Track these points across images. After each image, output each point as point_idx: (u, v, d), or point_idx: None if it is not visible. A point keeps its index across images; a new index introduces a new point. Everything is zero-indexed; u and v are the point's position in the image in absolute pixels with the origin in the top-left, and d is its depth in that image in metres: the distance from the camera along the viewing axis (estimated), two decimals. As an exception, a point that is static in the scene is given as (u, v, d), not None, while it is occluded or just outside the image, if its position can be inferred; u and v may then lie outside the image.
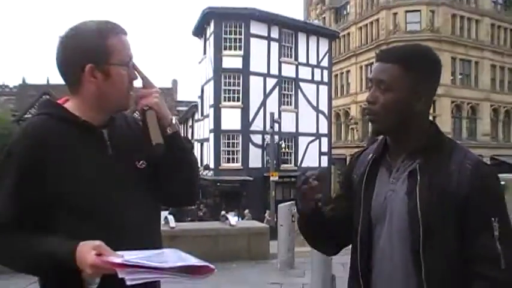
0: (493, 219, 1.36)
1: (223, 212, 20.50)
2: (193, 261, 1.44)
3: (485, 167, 1.46)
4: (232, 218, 9.24)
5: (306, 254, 7.28)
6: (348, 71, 43.76)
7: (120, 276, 1.30)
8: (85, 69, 1.49)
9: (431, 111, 1.76)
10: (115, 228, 1.45)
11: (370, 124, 1.62)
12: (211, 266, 1.45)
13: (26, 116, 42.76)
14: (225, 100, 27.03)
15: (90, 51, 1.49)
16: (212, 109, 27.47)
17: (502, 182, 1.63)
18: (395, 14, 38.51)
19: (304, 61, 29.36)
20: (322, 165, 29.97)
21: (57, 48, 1.54)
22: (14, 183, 1.43)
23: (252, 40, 26.98)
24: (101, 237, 1.37)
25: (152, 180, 1.63)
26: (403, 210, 1.46)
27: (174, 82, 52.17)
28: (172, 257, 1.46)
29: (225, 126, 26.93)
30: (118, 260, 1.32)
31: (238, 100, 27.05)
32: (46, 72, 55.12)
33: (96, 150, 1.54)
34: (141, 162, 1.61)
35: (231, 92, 27.12)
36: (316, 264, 5.76)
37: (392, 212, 1.50)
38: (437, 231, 1.40)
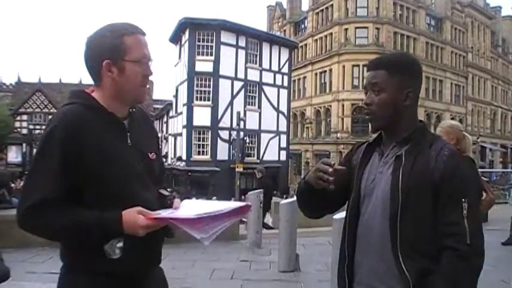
0: (463, 199, 1.41)
1: (193, 199, 20.31)
2: (236, 203, 1.53)
3: (459, 155, 1.52)
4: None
5: (272, 236, 7.34)
6: (304, 77, 44.18)
7: (198, 237, 1.39)
8: (103, 65, 1.51)
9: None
10: (132, 205, 1.46)
11: (369, 124, 1.66)
12: (249, 203, 1.56)
13: (20, 110, 41.70)
14: (197, 99, 26.86)
15: (107, 49, 1.51)
16: (185, 107, 27.22)
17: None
18: (346, 29, 39.10)
19: (267, 67, 29.41)
20: (281, 158, 30.17)
21: (84, 47, 1.57)
22: (59, 163, 1.42)
23: (222, 47, 26.86)
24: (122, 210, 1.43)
25: (158, 169, 1.72)
26: (387, 186, 1.51)
27: (151, 83, 51.05)
28: (213, 204, 1.54)
29: (196, 122, 26.77)
30: (190, 215, 1.40)
31: (208, 100, 26.90)
32: (39, 71, 53.68)
33: (119, 139, 1.56)
34: (152, 153, 1.67)
35: (203, 92, 26.95)
36: (282, 244, 5.79)
37: (378, 189, 1.55)
38: (414, 205, 1.44)
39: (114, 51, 1.51)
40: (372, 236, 1.54)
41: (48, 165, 1.43)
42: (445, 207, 1.43)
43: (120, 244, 1.44)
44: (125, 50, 1.52)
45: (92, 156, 1.45)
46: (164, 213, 1.49)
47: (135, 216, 1.41)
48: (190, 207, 1.54)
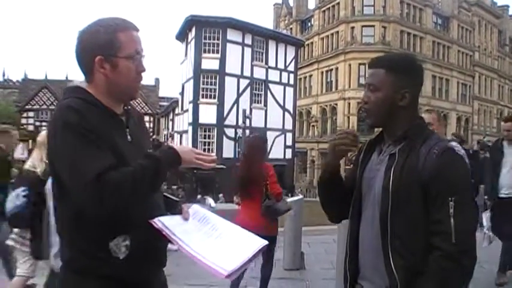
0: (449, 198, 1.40)
1: (199, 196, 20.35)
2: (254, 244, 1.55)
3: (449, 154, 1.46)
4: (212, 201, 9.18)
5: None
6: (310, 75, 44.11)
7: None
8: (95, 61, 1.47)
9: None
10: (140, 205, 1.47)
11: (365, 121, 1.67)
12: (266, 242, 1.57)
13: (27, 106, 41.97)
14: (202, 97, 26.90)
15: (100, 45, 1.47)
16: (191, 105, 27.27)
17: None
18: (353, 27, 39.00)
19: (274, 65, 29.40)
20: (286, 157, 30.15)
21: (75, 42, 1.52)
22: (92, 141, 1.38)
23: (228, 45, 26.87)
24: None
25: None
26: (380, 184, 1.52)
27: (157, 80, 51.08)
28: (224, 227, 1.61)
29: (202, 120, 26.80)
30: (222, 268, 1.39)
31: (214, 97, 26.94)
32: (45, 68, 53.85)
33: (119, 134, 1.52)
34: (150, 150, 1.67)
35: (208, 90, 26.98)
36: (287, 242, 5.80)
37: (374, 187, 1.56)
38: (404, 204, 1.45)
39: (107, 48, 1.47)
40: (371, 234, 1.56)
41: (85, 145, 1.37)
42: (433, 205, 1.43)
43: (126, 242, 1.42)
44: (119, 46, 1.48)
45: (103, 144, 1.41)
46: (172, 221, 1.51)
47: (185, 147, 1.60)
48: (201, 235, 1.54)
